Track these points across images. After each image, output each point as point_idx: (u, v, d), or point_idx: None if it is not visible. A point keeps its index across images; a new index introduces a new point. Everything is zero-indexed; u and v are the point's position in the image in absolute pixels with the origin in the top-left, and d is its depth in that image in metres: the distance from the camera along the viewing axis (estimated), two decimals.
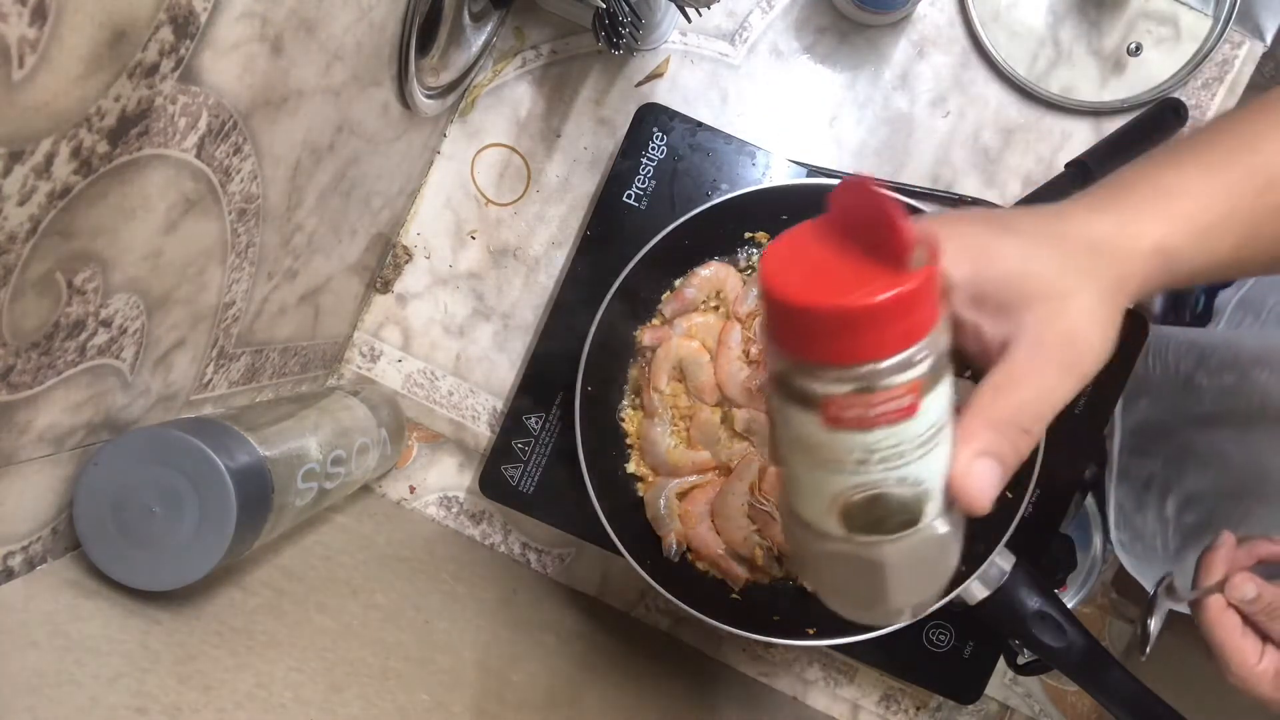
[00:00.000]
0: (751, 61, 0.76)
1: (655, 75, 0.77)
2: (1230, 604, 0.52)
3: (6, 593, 0.41)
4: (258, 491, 0.47)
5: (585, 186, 0.77)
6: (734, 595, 0.69)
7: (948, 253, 0.32)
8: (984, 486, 0.33)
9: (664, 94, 0.76)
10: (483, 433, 0.79)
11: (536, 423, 0.73)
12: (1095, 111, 0.73)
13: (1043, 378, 0.35)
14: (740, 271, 0.70)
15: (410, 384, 0.79)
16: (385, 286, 0.78)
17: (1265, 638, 0.52)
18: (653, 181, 0.71)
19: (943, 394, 0.31)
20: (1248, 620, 0.52)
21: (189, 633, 0.44)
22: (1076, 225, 0.37)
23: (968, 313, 0.36)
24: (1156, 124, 0.71)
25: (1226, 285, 0.84)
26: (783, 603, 0.69)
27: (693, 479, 0.70)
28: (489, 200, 0.78)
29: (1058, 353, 0.35)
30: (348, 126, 0.56)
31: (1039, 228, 0.37)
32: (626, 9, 0.62)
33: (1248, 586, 0.51)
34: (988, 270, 0.36)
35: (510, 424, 0.73)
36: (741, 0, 0.76)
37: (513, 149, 0.78)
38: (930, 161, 0.75)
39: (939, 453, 0.32)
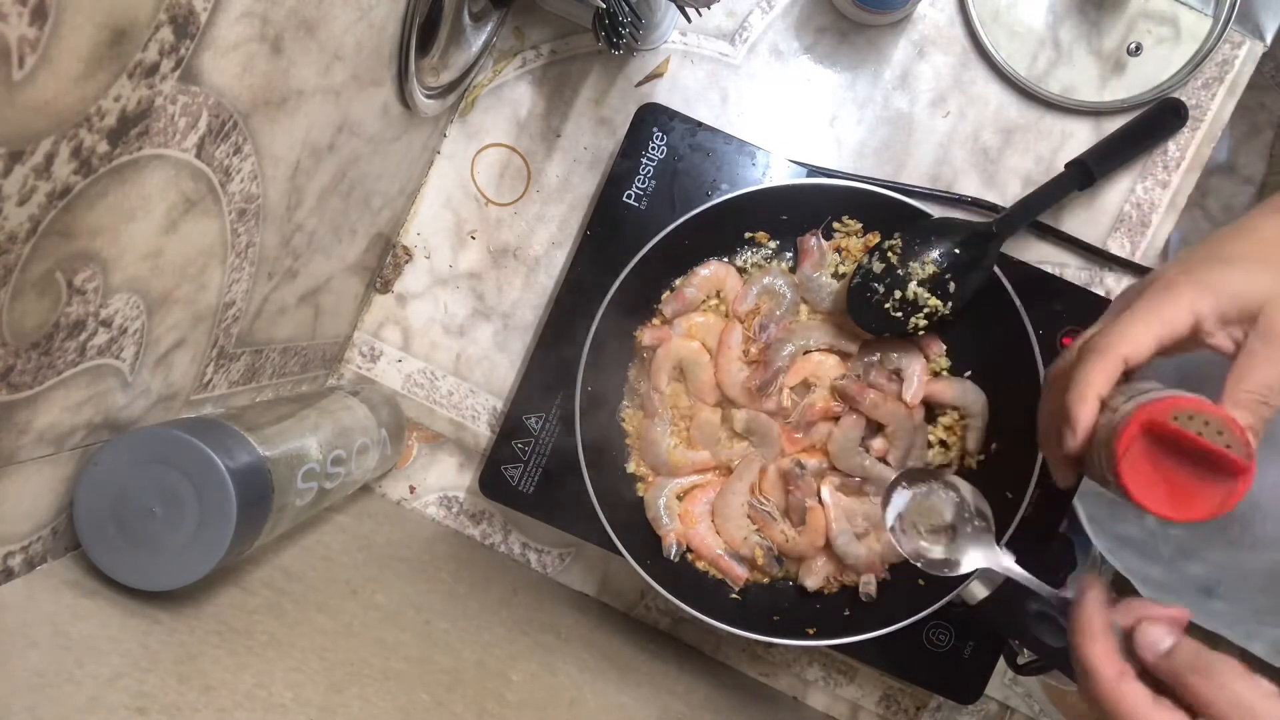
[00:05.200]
0: (751, 61, 0.76)
1: (655, 75, 0.77)
2: (1138, 667, 0.42)
3: (6, 593, 0.42)
4: (258, 491, 0.47)
5: (585, 186, 0.77)
6: (734, 595, 0.69)
7: (1190, 299, 0.46)
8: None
9: (664, 94, 0.76)
10: (483, 433, 0.79)
11: (536, 423, 0.73)
12: (1095, 111, 0.73)
13: (1273, 362, 0.45)
14: (740, 271, 0.70)
15: (410, 384, 0.79)
16: (385, 286, 0.78)
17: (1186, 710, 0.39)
18: (653, 181, 0.71)
19: None
20: (1159, 689, 0.41)
21: (189, 633, 0.44)
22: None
23: (1218, 332, 0.46)
24: (1156, 124, 0.71)
25: None
26: (783, 603, 0.69)
27: (693, 479, 0.70)
28: (489, 200, 0.78)
29: None
30: (348, 126, 0.56)
31: (1247, 253, 0.48)
32: (626, 9, 0.62)
33: (1158, 633, 0.42)
34: (1223, 297, 0.46)
35: (510, 424, 0.73)
36: (741, 0, 0.76)
37: (513, 149, 0.78)
38: (930, 161, 0.75)
39: None
